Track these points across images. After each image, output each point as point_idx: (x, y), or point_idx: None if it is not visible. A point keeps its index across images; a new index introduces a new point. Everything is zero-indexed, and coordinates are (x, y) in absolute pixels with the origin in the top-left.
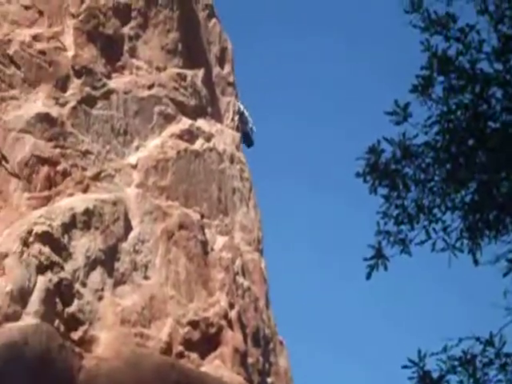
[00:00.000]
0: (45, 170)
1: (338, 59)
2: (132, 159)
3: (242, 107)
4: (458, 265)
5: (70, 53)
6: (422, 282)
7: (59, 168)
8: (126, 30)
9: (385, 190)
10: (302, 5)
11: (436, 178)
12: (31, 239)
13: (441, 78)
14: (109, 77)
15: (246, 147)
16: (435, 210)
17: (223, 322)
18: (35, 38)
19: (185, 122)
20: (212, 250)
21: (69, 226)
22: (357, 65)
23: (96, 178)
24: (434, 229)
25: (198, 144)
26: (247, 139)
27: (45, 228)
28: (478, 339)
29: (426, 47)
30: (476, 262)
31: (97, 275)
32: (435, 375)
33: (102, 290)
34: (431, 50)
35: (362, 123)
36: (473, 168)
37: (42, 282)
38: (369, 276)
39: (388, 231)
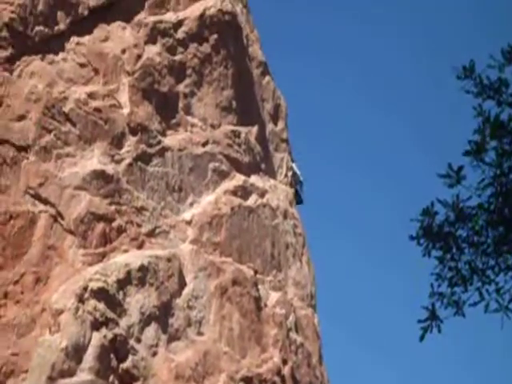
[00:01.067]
0: (100, 226)
1: (394, 124)
2: (186, 215)
3: (293, 165)
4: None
5: (126, 110)
6: (475, 344)
7: (114, 224)
8: (180, 87)
9: (438, 252)
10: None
11: (489, 241)
12: (86, 295)
13: (493, 143)
14: (164, 134)
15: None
16: (488, 272)
17: (276, 378)
18: (90, 95)
19: (239, 179)
20: (265, 305)
21: (124, 283)
22: (413, 129)
23: (151, 234)
24: (487, 290)
25: (252, 200)
26: (296, 197)
27: (100, 284)
28: None
29: (478, 112)
30: None
31: (151, 331)
32: None
33: (157, 345)
34: (484, 115)
35: (416, 186)
36: None
37: (97, 338)
38: (422, 338)
39: (442, 293)
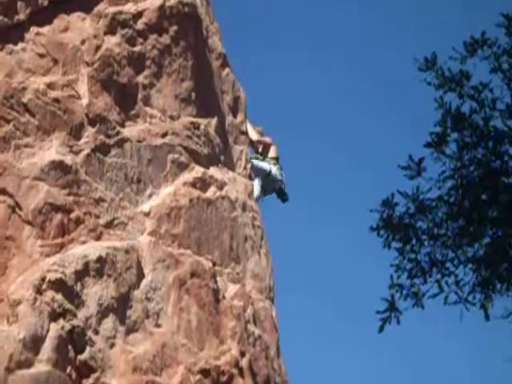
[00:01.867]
0: (58, 217)
1: (353, 113)
2: (145, 207)
3: (271, 167)
4: (471, 319)
5: (85, 101)
6: (434, 336)
7: (72, 215)
8: (140, 78)
9: (398, 244)
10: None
11: (449, 233)
12: (44, 286)
13: (454, 135)
14: (122, 125)
15: (281, 202)
16: (448, 264)
17: (234, 371)
18: (50, 85)
19: (198, 170)
20: (224, 297)
21: (81, 274)
22: (372, 120)
23: (109, 225)
24: (446, 282)
25: (211, 192)
26: (282, 194)
27: (58, 275)
28: None
29: (440, 104)
30: (487, 317)
31: (109, 323)
32: None
33: (114, 337)
34: (445, 107)
35: (377, 177)
36: (485, 223)
37: (55, 329)
38: (381, 329)
39: (401, 284)
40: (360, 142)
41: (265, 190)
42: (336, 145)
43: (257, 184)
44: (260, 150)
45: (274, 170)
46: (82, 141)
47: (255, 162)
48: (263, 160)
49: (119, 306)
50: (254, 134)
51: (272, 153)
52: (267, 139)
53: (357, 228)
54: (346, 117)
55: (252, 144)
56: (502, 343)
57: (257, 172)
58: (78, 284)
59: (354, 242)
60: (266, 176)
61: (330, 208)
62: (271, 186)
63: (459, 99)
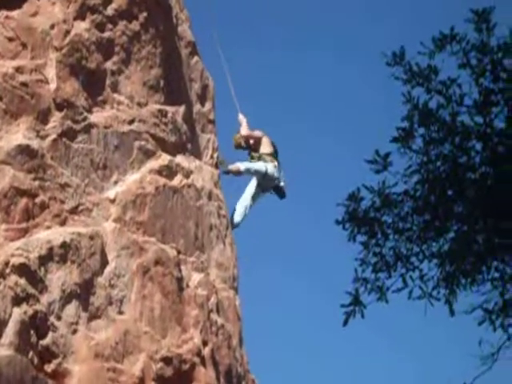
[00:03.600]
0: (23, 201)
1: (322, 103)
2: (110, 193)
3: (268, 167)
4: (435, 313)
5: (52, 86)
6: (398, 330)
7: (37, 200)
8: (108, 64)
9: (363, 238)
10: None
11: (414, 227)
12: (8, 271)
13: (421, 130)
14: (90, 111)
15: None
16: (413, 259)
17: (196, 359)
18: (18, 69)
19: (164, 158)
20: (187, 286)
21: (45, 259)
22: (338, 114)
23: (74, 211)
24: (411, 277)
25: (177, 180)
26: (279, 191)
27: (22, 260)
28: None
29: (407, 99)
30: (452, 313)
31: (72, 309)
32: None
33: (77, 323)
34: (412, 102)
35: (343, 171)
36: (451, 218)
37: (18, 313)
38: (345, 323)
39: (365, 278)
40: (327, 134)
41: (263, 188)
42: (304, 136)
43: (253, 182)
44: (251, 144)
45: (271, 168)
46: (49, 126)
47: (250, 164)
48: (259, 159)
49: (82, 292)
50: (243, 129)
51: (265, 147)
52: (256, 132)
53: (323, 221)
54: (312, 108)
55: (247, 143)
56: (467, 338)
57: (254, 174)
58: (42, 269)
59: (320, 235)
60: (263, 176)
61: (298, 201)
62: (270, 185)
63: (427, 94)
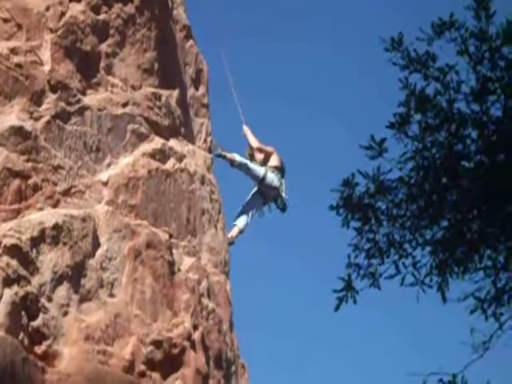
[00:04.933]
0: (16, 183)
1: (318, 89)
2: (103, 176)
3: (267, 173)
4: (427, 300)
5: (47, 67)
6: (390, 316)
7: (30, 182)
8: (103, 46)
9: (357, 224)
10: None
11: (408, 214)
12: None
13: (418, 116)
14: (84, 93)
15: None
16: (406, 246)
17: (186, 343)
18: (13, 50)
19: (157, 142)
20: (179, 270)
21: (37, 241)
22: (334, 99)
23: (66, 193)
24: (403, 264)
25: (170, 164)
26: (280, 202)
27: (13, 241)
28: (440, 380)
29: (404, 85)
30: (444, 299)
31: (63, 291)
32: None
33: (68, 305)
34: (409, 88)
35: (338, 156)
36: (445, 205)
37: (9, 294)
38: (337, 308)
39: (358, 264)
40: (322, 120)
41: (264, 197)
42: (299, 121)
43: (254, 189)
44: (260, 158)
45: (270, 176)
46: (43, 107)
47: (250, 164)
48: (261, 165)
49: (74, 275)
50: (254, 141)
51: (273, 161)
52: (268, 148)
53: (317, 207)
54: (307, 95)
55: (251, 151)
56: (459, 326)
57: (250, 175)
58: (34, 250)
59: (314, 221)
60: (260, 182)
61: (292, 186)
62: (270, 193)
63: (424, 81)
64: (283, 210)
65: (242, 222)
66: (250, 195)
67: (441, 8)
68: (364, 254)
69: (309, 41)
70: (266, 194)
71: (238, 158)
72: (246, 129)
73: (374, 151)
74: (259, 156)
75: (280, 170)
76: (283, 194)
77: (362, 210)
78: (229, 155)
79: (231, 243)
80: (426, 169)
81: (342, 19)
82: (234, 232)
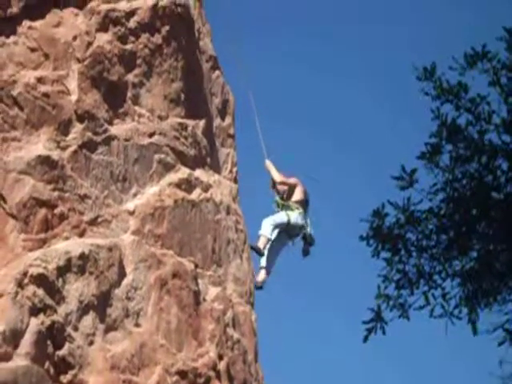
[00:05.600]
0: (42, 212)
1: (347, 119)
2: (129, 206)
3: (290, 216)
4: (456, 332)
5: (74, 97)
6: (419, 348)
7: (57, 211)
8: (130, 77)
9: (387, 254)
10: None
11: (438, 245)
12: (26, 281)
13: (449, 147)
14: (111, 123)
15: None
16: (435, 277)
17: (211, 373)
18: (40, 80)
19: (183, 172)
20: (204, 300)
21: (64, 270)
22: (366, 128)
23: (93, 222)
24: (433, 295)
25: (196, 194)
26: (309, 239)
27: (40, 270)
28: None
29: (436, 115)
30: (475, 332)
31: (89, 320)
32: None
33: (94, 334)
34: (441, 119)
35: (369, 186)
36: (474, 237)
37: (35, 324)
38: (366, 339)
39: (388, 295)
40: (354, 150)
41: (290, 235)
42: (330, 150)
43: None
44: (284, 189)
45: (294, 218)
46: (70, 137)
47: (272, 221)
48: (282, 208)
49: (99, 304)
50: (276, 175)
51: (297, 194)
52: (291, 180)
53: (347, 237)
54: (339, 122)
55: (274, 187)
56: (487, 358)
57: (277, 226)
58: (60, 280)
59: (344, 251)
60: (286, 225)
61: (323, 215)
62: (296, 232)
63: (456, 111)
64: (310, 244)
65: (268, 263)
66: (276, 235)
67: (473, 38)
68: (394, 285)
69: (338, 69)
70: (291, 233)
71: (267, 234)
72: (268, 163)
73: (405, 182)
74: (283, 187)
75: (304, 202)
76: (309, 230)
77: (392, 241)
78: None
79: (259, 288)
80: (456, 200)
81: (376, 46)
82: (261, 276)
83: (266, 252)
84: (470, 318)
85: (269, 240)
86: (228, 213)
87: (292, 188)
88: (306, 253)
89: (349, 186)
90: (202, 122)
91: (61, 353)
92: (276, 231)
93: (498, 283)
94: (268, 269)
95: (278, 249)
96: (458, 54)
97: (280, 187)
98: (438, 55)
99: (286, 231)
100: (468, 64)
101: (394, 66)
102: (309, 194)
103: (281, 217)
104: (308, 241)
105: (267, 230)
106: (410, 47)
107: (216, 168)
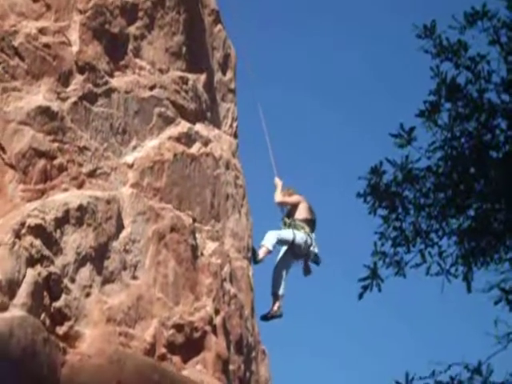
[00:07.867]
0: (41, 163)
1: (347, 78)
2: (128, 158)
3: (295, 235)
4: (452, 290)
5: (75, 48)
6: (414, 305)
7: (56, 162)
8: (131, 29)
9: (384, 212)
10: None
11: (435, 203)
12: (23, 231)
13: (448, 105)
14: (111, 75)
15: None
16: (432, 235)
17: (208, 328)
18: (41, 31)
19: (183, 126)
20: (202, 254)
21: (61, 221)
22: (365, 86)
23: (92, 174)
24: (429, 253)
25: (195, 148)
26: (314, 258)
27: (38, 221)
28: (466, 366)
29: (435, 73)
30: (469, 289)
31: (86, 272)
32: None
33: (90, 286)
34: (440, 77)
35: (367, 143)
36: (472, 196)
37: (31, 274)
38: (361, 296)
39: (384, 252)
40: (352, 108)
41: (295, 255)
42: (328, 109)
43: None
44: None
45: (299, 237)
46: (70, 88)
47: (277, 235)
48: (289, 226)
49: (97, 256)
50: (277, 196)
51: (301, 212)
52: (293, 199)
53: (345, 194)
54: (338, 81)
55: (280, 206)
56: (483, 317)
57: (280, 241)
58: (58, 231)
59: (341, 208)
60: (291, 244)
61: (321, 172)
62: (301, 252)
63: (455, 69)
64: (317, 263)
65: (280, 289)
66: (281, 255)
67: None
68: (390, 242)
69: (339, 28)
70: (296, 253)
71: (270, 246)
72: (277, 181)
73: (403, 140)
74: (286, 205)
75: (309, 221)
76: (315, 250)
77: (390, 199)
78: (263, 254)
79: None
80: (455, 158)
81: (375, 5)
82: (275, 309)
83: (261, 255)
84: (465, 277)
85: (269, 251)
86: (227, 168)
87: (295, 206)
88: (307, 272)
89: (347, 144)
90: (202, 76)
91: (57, 304)
92: (282, 250)
93: (495, 242)
94: (276, 292)
95: (283, 268)
96: (458, 12)
97: (286, 199)
98: (438, 14)
99: (292, 250)
100: (468, 23)
101: (393, 25)
102: (315, 213)
103: (286, 233)
104: (314, 260)
105: (270, 241)
106: (410, 6)
107: (216, 123)
